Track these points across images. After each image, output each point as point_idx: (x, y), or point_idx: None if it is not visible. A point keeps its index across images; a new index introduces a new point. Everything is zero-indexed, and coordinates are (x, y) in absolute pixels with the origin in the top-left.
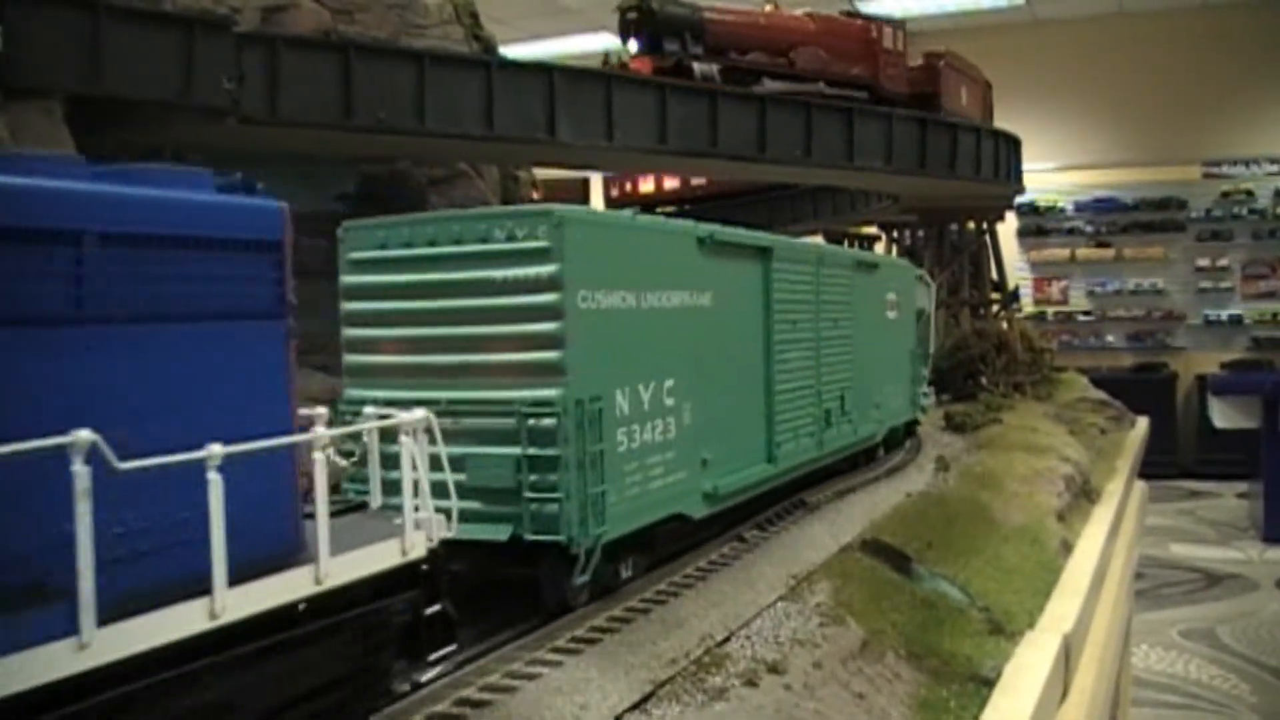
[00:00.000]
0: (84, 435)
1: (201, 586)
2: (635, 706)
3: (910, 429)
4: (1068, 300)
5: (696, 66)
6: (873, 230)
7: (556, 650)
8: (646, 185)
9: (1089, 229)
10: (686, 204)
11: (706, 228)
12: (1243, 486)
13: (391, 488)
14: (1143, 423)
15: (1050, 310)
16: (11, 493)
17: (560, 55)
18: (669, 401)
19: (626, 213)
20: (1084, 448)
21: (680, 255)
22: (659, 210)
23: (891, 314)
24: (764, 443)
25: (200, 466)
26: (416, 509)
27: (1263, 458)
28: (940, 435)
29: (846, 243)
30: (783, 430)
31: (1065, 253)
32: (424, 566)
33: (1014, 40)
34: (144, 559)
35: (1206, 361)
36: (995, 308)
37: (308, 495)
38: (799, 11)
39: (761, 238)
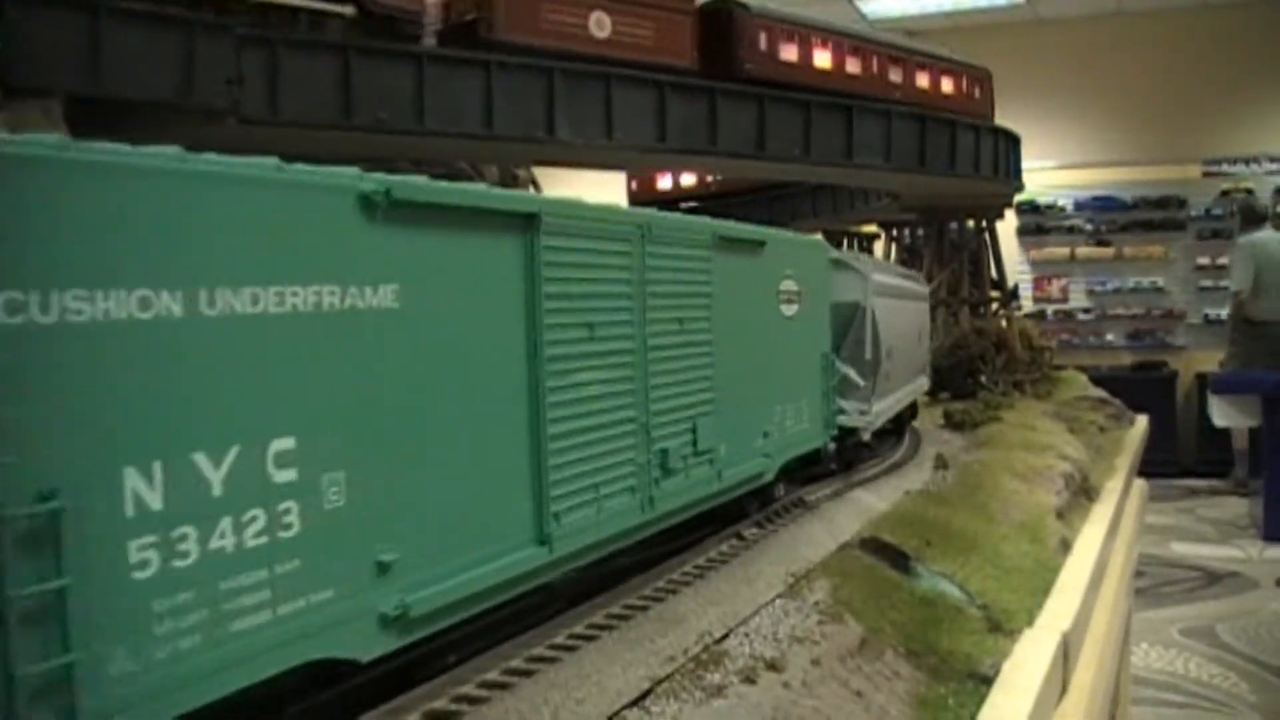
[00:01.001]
0: None
1: None
2: (633, 703)
3: (833, 452)
4: (1067, 299)
5: None
6: (872, 229)
7: (554, 647)
8: (664, 182)
9: (1089, 227)
10: (699, 200)
11: (378, 180)
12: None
13: None
14: (1142, 421)
15: (1050, 309)
16: None
17: None
18: (283, 476)
19: (190, 155)
20: (1083, 446)
21: (320, 228)
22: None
23: (789, 309)
24: (530, 516)
25: None
26: None
27: (1262, 456)
28: (939, 433)
29: (846, 241)
30: (568, 493)
31: (1065, 251)
32: None
33: (1014, 39)
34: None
35: (1206, 360)
36: (995, 306)
37: None
38: None
39: (517, 198)
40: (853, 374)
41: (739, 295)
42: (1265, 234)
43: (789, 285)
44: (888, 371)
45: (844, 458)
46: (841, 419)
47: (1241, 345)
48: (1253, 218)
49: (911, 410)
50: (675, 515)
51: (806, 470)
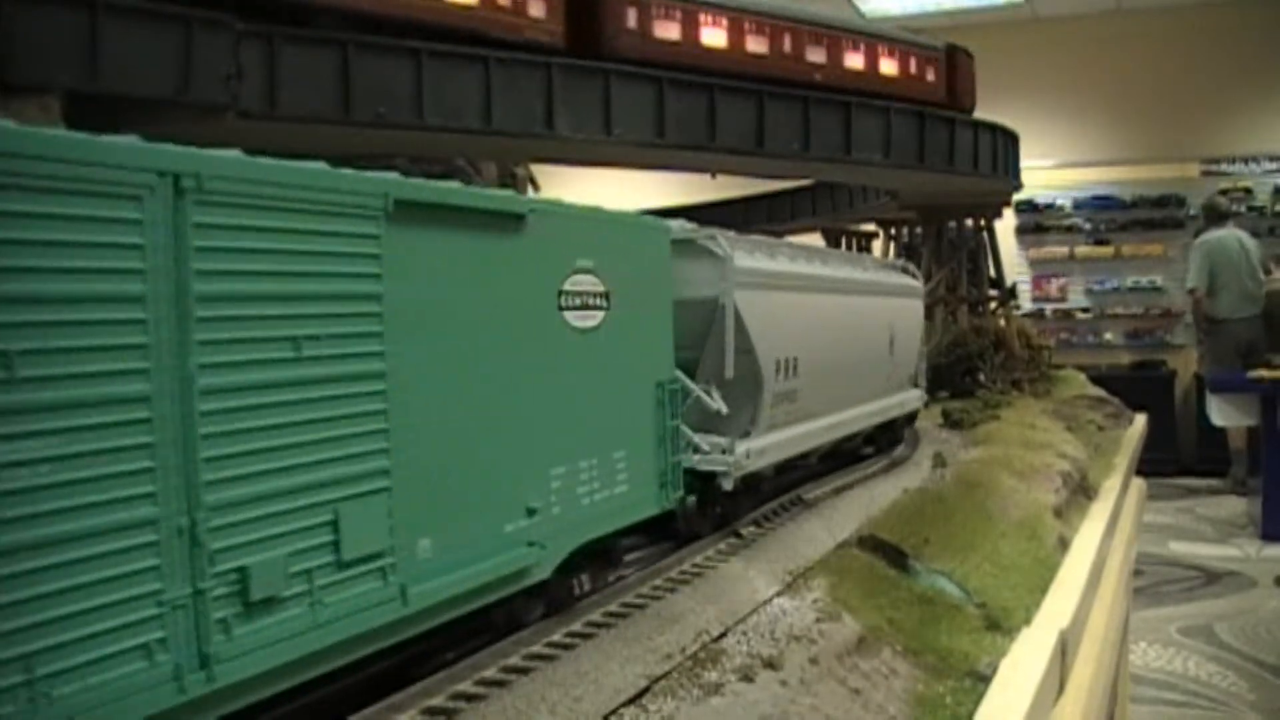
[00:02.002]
0: None
1: None
2: (631, 701)
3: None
4: (1066, 298)
5: None
6: (870, 227)
7: (552, 645)
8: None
9: (1087, 226)
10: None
11: None
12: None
13: None
14: (1141, 420)
15: (1049, 308)
16: None
17: None
18: None
19: None
20: (1082, 444)
21: None
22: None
23: (584, 318)
24: None
25: None
26: None
27: (1261, 455)
28: (938, 432)
29: (845, 240)
30: None
31: (1064, 250)
32: None
33: (1014, 38)
34: None
35: None
36: (993, 305)
37: None
38: None
39: None
40: (713, 399)
41: (460, 296)
42: (1224, 232)
43: (584, 283)
44: (792, 392)
45: (734, 508)
46: (698, 462)
47: (1208, 344)
48: (1215, 216)
49: (908, 416)
50: (284, 679)
51: (651, 540)
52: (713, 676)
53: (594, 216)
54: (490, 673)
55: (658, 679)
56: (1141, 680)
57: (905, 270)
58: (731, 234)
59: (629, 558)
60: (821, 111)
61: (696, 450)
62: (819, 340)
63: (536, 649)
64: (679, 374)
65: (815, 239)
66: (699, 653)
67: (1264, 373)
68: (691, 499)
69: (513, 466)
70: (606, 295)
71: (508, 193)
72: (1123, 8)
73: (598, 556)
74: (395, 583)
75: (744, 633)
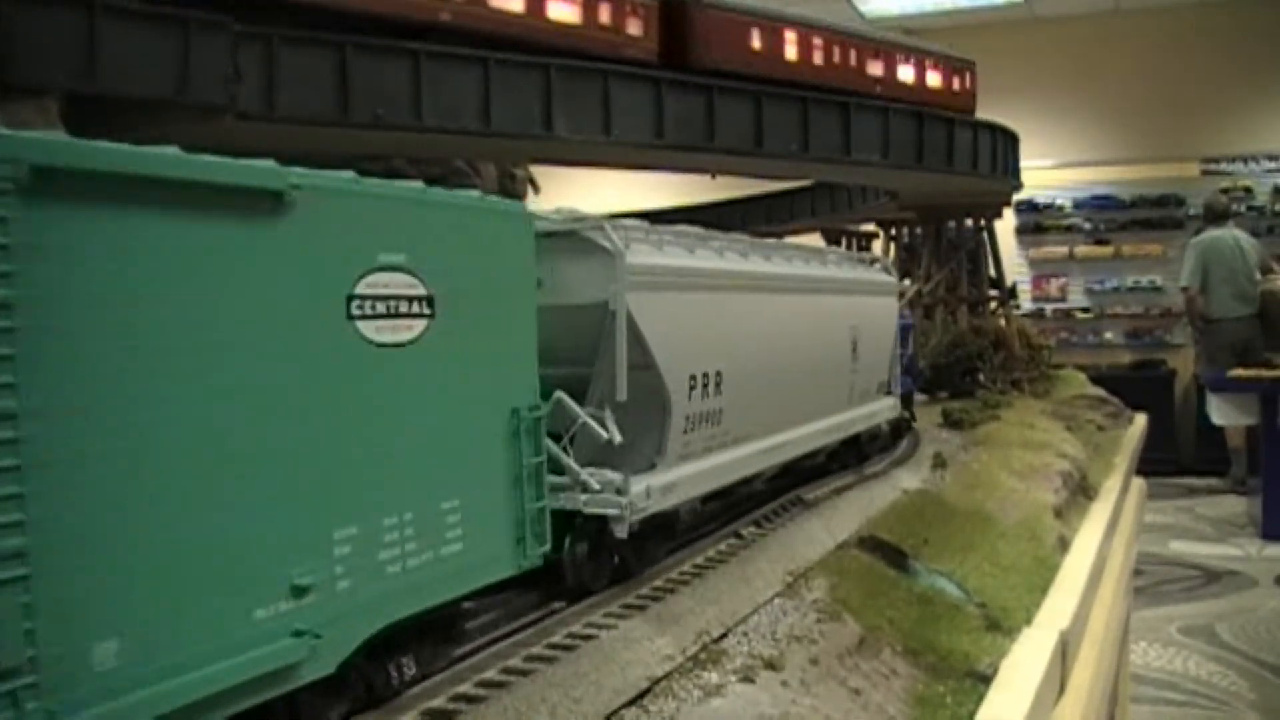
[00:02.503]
0: None
1: None
2: (631, 702)
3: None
4: (1066, 297)
5: None
6: (870, 228)
7: (552, 646)
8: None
9: (1087, 226)
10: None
11: None
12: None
13: None
14: (1141, 419)
15: (1049, 307)
16: None
17: None
18: None
19: None
20: (1082, 444)
21: None
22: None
23: (393, 328)
24: None
25: None
26: None
27: (1261, 454)
28: (938, 432)
29: (845, 241)
30: None
31: (1063, 250)
32: None
33: (1013, 38)
34: None
35: None
36: (993, 305)
37: None
38: None
39: None
40: (605, 426)
41: (172, 302)
42: (1219, 232)
43: (392, 284)
44: (715, 413)
45: (639, 554)
46: (585, 504)
47: (1204, 344)
48: (1213, 216)
49: (907, 420)
50: None
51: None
52: (713, 677)
53: (407, 197)
54: (490, 674)
55: (658, 680)
56: (1142, 680)
57: (876, 264)
58: (632, 223)
59: (488, 621)
60: (820, 112)
61: (585, 489)
62: (752, 349)
63: (537, 650)
64: (563, 398)
65: (815, 239)
66: (700, 653)
67: (1240, 371)
68: (583, 546)
69: (267, 531)
70: (428, 300)
71: (257, 163)
72: (1121, 8)
73: (431, 631)
74: (37, 711)
75: (744, 633)
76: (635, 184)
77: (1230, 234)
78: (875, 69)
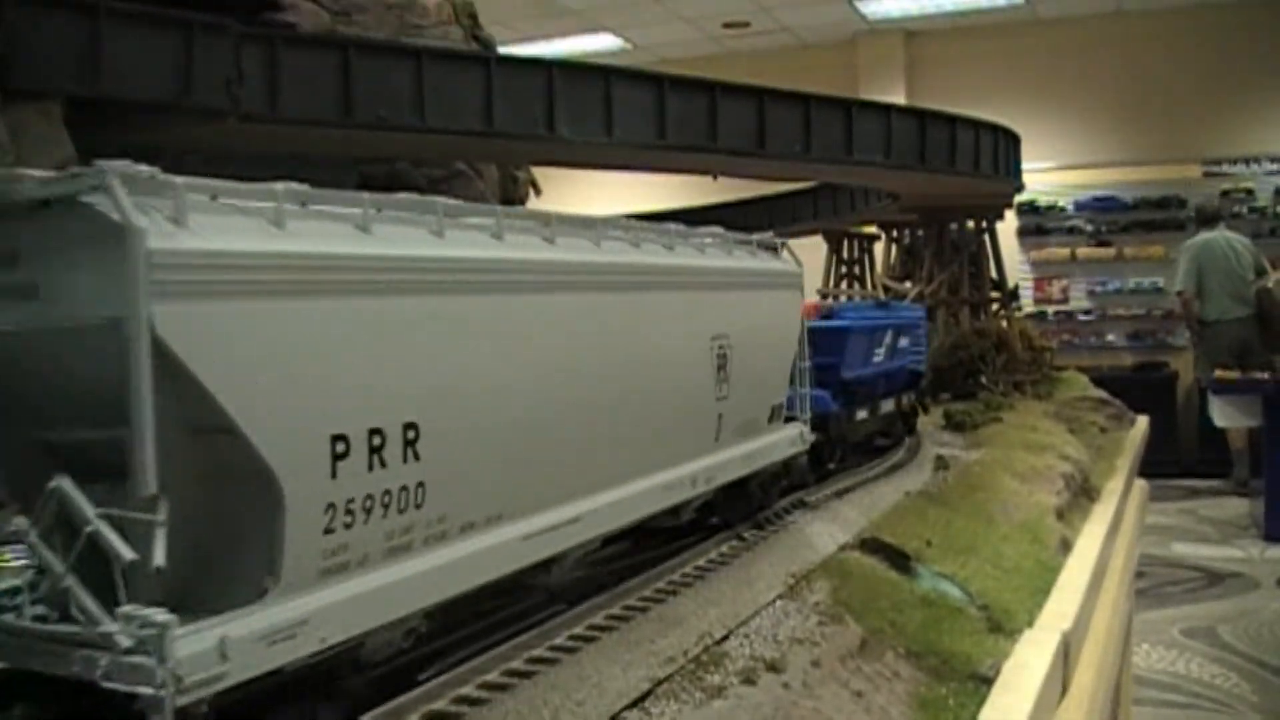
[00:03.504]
0: None
1: None
2: (633, 704)
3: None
4: (1068, 299)
5: None
6: (873, 230)
7: (554, 648)
8: None
9: (1089, 228)
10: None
11: None
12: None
13: None
14: (1143, 421)
15: (1050, 309)
16: None
17: (561, 53)
18: None
19: None
20: (1084, 446)
21: None
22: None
23: None
24: None
25: None
26: None
27: (1264, 456)
28: (940, 434)
29: (847, 242)
30: None
31: (1065, 252)
32: None
33: (1014, 39)
34: None
35: None
36: (995, 307)
37: None
38: None
39: None
40: (126, 538)
41: None
42: (1212, 234)
43: None
44: (413, 489)
45: None
46: (82, 673)
47: (1202, 347)
48: (1205, 219)
49: (904, 424)
50: None
51: None
52: (715, 679)
53: None
54: (492, 676)
55: (660, 682)
56: (1144, 682)
57: (766, 248)
58: (205, 182)
59: None
60: (822, 112)
61: (108, 645)
62: (488, 384)
63: (538, 652)
64: (64, 488)
65: (817, 241)
66: (701, 656)
67: (1221, 373)
68: None
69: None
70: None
71: None
72: (1123, 9)
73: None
74: None
75: (746, 636)
76: (635, 186)
77: (1222, 235)
78: None
